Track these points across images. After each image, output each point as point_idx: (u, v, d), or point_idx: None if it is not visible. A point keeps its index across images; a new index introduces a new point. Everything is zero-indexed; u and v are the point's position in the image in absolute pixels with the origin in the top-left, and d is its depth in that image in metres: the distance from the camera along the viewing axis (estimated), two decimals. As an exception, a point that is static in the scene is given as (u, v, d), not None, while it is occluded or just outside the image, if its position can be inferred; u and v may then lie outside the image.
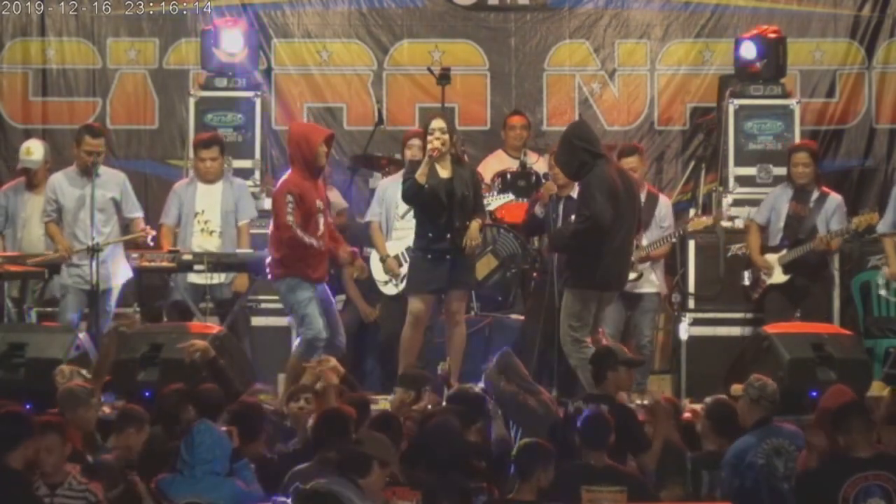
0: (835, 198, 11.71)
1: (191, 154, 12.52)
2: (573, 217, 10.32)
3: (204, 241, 11.54)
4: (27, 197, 11.94)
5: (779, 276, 11.54)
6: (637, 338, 11.44)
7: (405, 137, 11.85)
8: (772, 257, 11.57)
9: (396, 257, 11.49)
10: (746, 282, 11.76)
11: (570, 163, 10.18)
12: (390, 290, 11.51)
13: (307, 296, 10.23)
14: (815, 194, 11.65)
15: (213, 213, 11.61)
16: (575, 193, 11.27)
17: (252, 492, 7.34)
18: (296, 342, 10.45)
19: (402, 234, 11.42)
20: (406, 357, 10.40)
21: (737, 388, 8.76)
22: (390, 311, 11.45)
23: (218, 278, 11.32)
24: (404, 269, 11.30)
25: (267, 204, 12.45)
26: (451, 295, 10.45)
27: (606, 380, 9.04)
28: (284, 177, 10.43)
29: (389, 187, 11.62)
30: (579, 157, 10.06)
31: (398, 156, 12.22)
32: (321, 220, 10.34)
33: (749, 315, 11.84)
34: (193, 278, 11.38)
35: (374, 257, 11.57)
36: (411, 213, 10.99)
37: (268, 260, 10.44)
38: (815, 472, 7.48)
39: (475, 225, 10.43)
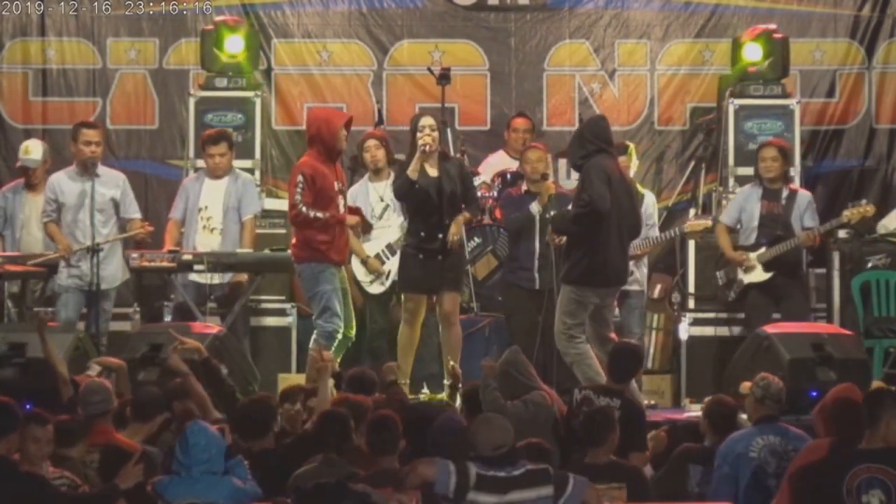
0: (804, 194, 11.74)
1: (191, 154, 12.54)
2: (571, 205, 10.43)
3: (206, 237, 11.53)
4: (26, 198, 11.93)
5: (759, 275, 11.53)
6: (626, 336, 11.39)
7: (361, 140, 11.83)
8: (751, 255, 11.56)
9: (377, 256, 11.51)
10: (720, 282, 11.74)
11: (575, 153, 10.35)
12: (376, 288, 11.52)
13: (330, 287, 10.25)
14: (785, 192, 11.65)
15: (215, 209, 11.60)
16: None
17: (249, 489, 7.34)
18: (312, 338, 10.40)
19: (378, 234, 11.48)
20: (404, 355, 10.45)
21: (745, 387, 8.72)
22: (376, 309, 11.47)
23: (218, 278, 11.30)
24: (387, 266, 11.42)
25: (268, 204, 12.49)
26: (444, 296, 10.45)
27: (629, 380, 9.03)
28: (301, 159, 10.48)
29: (360, 192, 11.60)
30: (585, 149, 10.21)
31: (399, 156, 12.18)
32: (342, 202, 10.41)
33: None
34: (194, 277, 11.37)
35: (355, 260, 11.55)
36: (387, 212, 11.14)
37: (292, 241, 10.52)
38: (818, 463, 7.44)
39: (459, 219, 10.45)
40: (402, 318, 10.53)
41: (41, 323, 9.69)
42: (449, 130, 12.18)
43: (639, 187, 11.87)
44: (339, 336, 10.30)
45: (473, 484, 6.69)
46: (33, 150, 12.08)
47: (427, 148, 10.35)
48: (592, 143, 10.17)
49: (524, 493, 6.67)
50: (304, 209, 10.15)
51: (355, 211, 10.99)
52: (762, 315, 11.31)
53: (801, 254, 11.67)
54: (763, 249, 11.51)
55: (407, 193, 10.40)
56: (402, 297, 10.56)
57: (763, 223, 11.59)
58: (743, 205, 11.70)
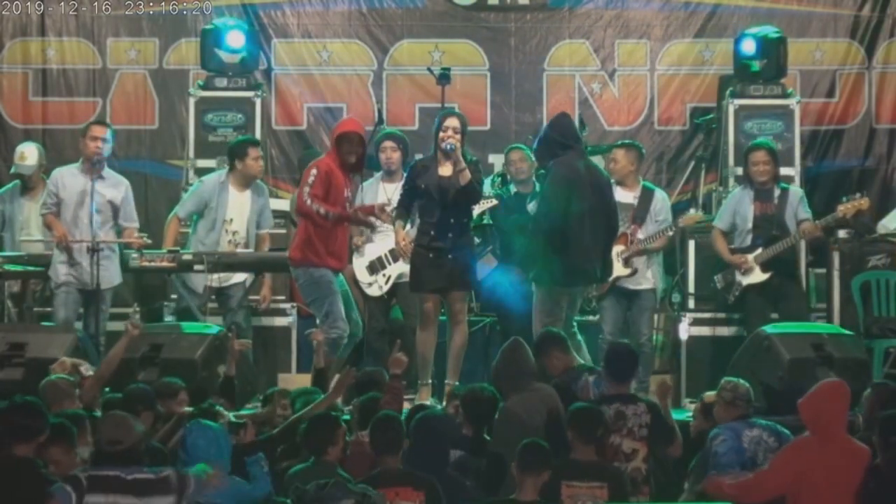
0: (795, 190, 11.73)
1: (191, 154, 12.54)
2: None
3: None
4: (24, 201, 11.92)
5: (758, 276, 11.51)
6: (635, 336, 11.35)
7: (378, 140, 11.74)
8: (749, 256, 11.54)
9: (379, 259, 11.49)
10: (718, 286, 11.71)
11: (542, 152, 10.40)
12: (374, 291, 11.51)
13: (330, 291, 10.28)
14: (777, 191, 11.63)
15: (240, 223, 11.45)
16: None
17: (253, 489, 7.32)
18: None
19: (381, 237, 11.43)
20: (423, 356, 10.44)
21: (709, 397, 8.70)
22: (377, 309, 11.47)
23: (226, 279, 11.27)
24: (388, 271, 11.44)
25: (269, 204, 12.45)
26: (453, 295, 10.44)
27: (629, 381, 9.01)
28: (321, 158, 10.58)
29: (369, 190, 11.51)
30: (551, 149, 10.23)
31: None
32: (349, 207, 10.46)
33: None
34: (194, 281, 11.33)
35: (356, 261, 11.54)
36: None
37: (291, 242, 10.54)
38: None
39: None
40: (417, 322, 10.50)
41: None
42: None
43: (650, 184, 11.87)
44: (345, 342, 10.35)
45: (86, 487, 6.65)
46: (28, 155, 12.04)
47: (451, 148, 10.28)
48: (557, 141, 10.18)
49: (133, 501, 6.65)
50: (308, 201, 10.20)
51: (370, 209, 10.84)
52: (760, 316, 11.29)
53: (798, 253, 11.67)
54: (759, 250, 11.50)
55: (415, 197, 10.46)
56: (418, 297, 10.51)
57: (757, 224, 11.57)
58: (736, 208, 11.67)
